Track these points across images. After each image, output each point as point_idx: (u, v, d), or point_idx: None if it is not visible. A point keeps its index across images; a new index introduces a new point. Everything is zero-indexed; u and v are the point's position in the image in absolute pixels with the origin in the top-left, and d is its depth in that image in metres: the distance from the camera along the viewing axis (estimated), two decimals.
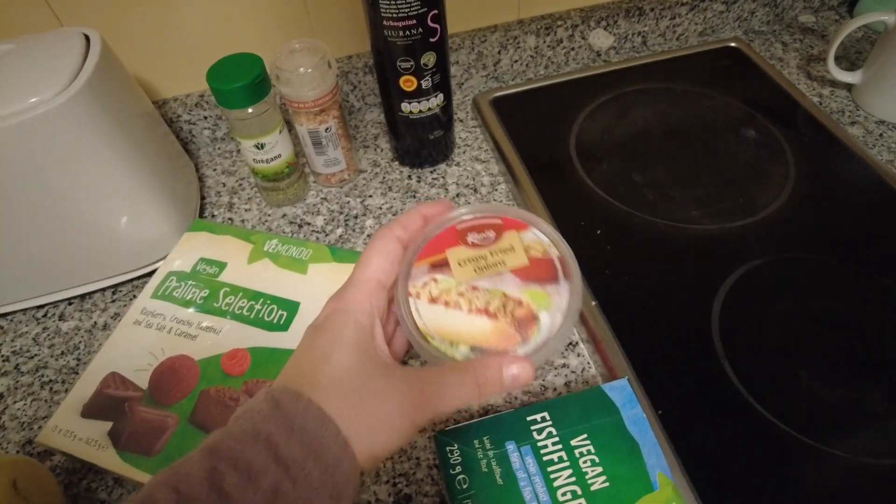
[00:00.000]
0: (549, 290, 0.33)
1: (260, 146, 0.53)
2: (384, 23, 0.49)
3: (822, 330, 0.46)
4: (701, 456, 0.40)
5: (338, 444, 0.26)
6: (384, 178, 0.61)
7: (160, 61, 0.60)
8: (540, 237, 0.36)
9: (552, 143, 0.62)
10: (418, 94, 0.54)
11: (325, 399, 0.27)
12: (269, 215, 0.59)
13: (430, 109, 0.56)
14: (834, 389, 0.43)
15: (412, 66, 0.52)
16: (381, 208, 0.58)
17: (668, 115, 0.64)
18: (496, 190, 0.59)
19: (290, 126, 0.59)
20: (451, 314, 0.33)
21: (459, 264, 0.35)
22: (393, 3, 0.47)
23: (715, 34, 0.76)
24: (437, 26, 0.51)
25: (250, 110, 0.51)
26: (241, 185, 0.62)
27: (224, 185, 0.62)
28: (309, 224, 0.58)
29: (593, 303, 0.48)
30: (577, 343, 0.48)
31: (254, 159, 0.55)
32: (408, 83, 0.53)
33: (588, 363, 0.46)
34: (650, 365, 0.45)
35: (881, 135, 0.62)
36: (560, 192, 0.57)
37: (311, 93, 0.52)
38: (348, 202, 0.59)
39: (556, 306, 0.33)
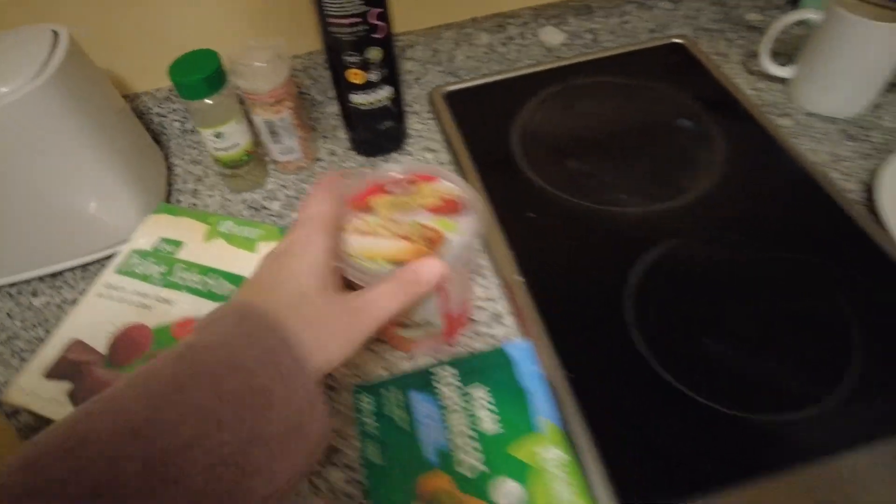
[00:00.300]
0: (456, 219, 0.42)
1: (218, 135, 0.58)
2: (329, 20, 0.53)
3: (731, 303, 0.50)
4: (606, 416, 0.43)
5: (294, 359, 0.30)
6: (340, 166, 0.65)
7: (132, 58, 0.64)
8: (449, 185, 0.44)
9: (497, 133, 0.66)
10: (366, 86, 0.58)
11: (285, 317, 0.32)
12: (230, 200, 0.63)
13: (379, 101, 0.60)
14: (734, 356, 0.47)
15: (359, 60, 0.56)
16: None
17: (609, 106, 0.68)
18: None
19: (248, 117, 0.63)
20: (374, 241, 0.41)
21: (382, 207, 0.43)
22: (336, 1, 0.52)
23: (664, 31, 0.79)
24: (381, 23, 0.55)
25: (209, 101, 0.55)
26: (206, 173, 0.67)
27: (191, 173, 0.67)
28: (266, 208, 0.62)
29: (519, 278, 0.52)
30: (502, 315, 0.52)
31: (214, 147, 0.59)
32: (355, 76, 0.57)
33: (513, 333, 0.50)
34: (566, 333, 0.48)
35: (808, 126, 0.65)
36: (499, 177, 0.61)
37: (266, 85, 0.56)
38: (304, 188, 0.63)
39: (462, 230, 0.41)
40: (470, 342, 0.50)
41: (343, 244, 0.41)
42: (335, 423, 0.46)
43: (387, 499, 0.34)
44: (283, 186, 0.64)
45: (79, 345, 0.48)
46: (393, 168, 0.45)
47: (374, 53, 0.56)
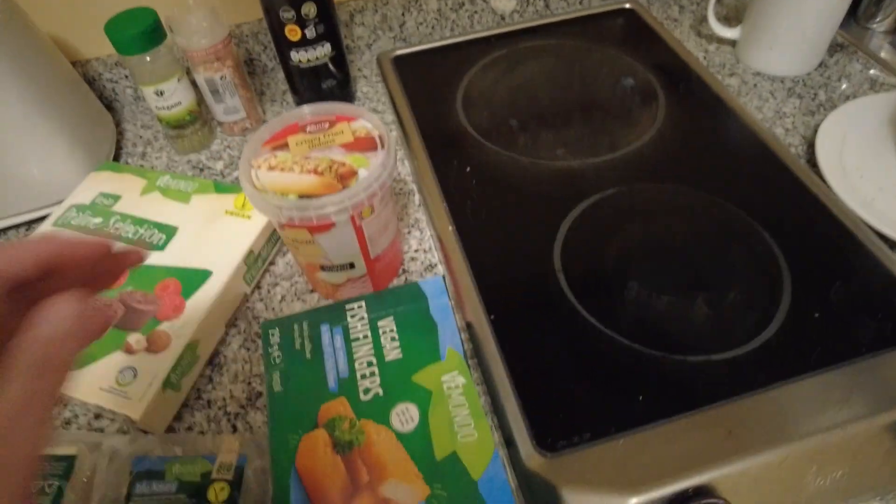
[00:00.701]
0: (368, 156, 0.42)
1: (159, 93, 0.58)
2: None
3: (659, 249, 0.50)
4: (528, 359, 0.44)
5: None
6: None
7: (80, 25, 0.65)
8: (366, 124, 0.45)
9: (442, 95, 0.66)
10: (304, 42, 0.59)
11: None
12: (176, 161, 0.64)
13: (318, 59, 0.60)
14: (660, 298, 0.47)
15: (293, 15, 0.56)
16: None
17: (555, 69, 0.68)
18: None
19: (190, 77, 0.64)
20: (284, 176, 0.41)
21: (297, 144, 0.44)
22: None
23: None
24: None
25: (147, 58, 0.56)
26: (155, 137, 0.67)
27: (141, 137, 0.67)
28: (210, 168, 0.62)
29: (450, 228, 0.52)
30: (435, 265, 0.52)
31: (156, 106, 0.59)
32: (292, 32, 0.58)
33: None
34: (492, 279, 0.48)
35: (755, 84, 0.65)
36: (440, 136, 0.61)
37: (204, 42, 0.57)
38: None
39: (373, 165, 0.42)
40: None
41: (253, 178, 0.41)
42: (260, 369, 0.47)
43: (286, 425, 0.34)
44: (228, 147, 0.64)
45: None
46: (310, 108, 0.45)
47: (309, 8, 0.56)
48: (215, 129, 0.66)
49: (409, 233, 0.55)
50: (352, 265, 0.46)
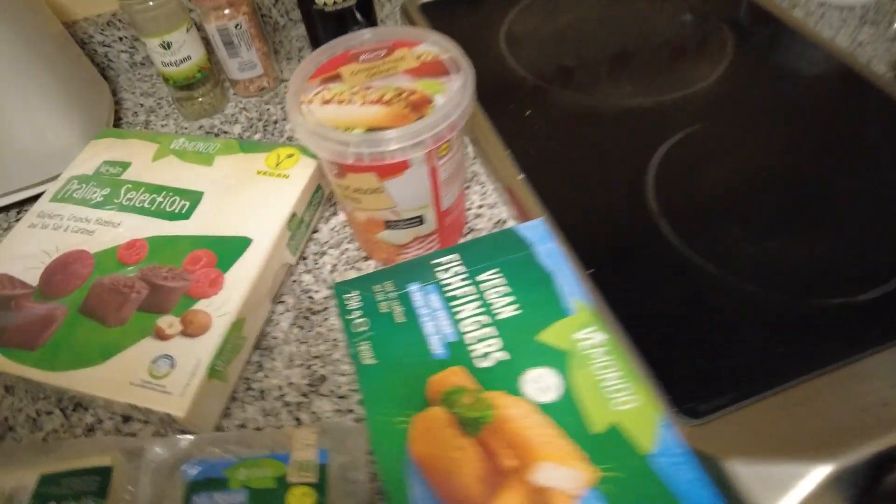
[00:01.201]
0: (442, 80, 0.35)
1: (166, 45, 0.50)
2: None
3: (765, 184, 0.43)
4: (640, 314, 0.37)
5: None
6: None
7: None
8: (431, 48, 0.38)
9: (480, 39, 0.59)
10: None
11: None
12: (185, 128, 0.55)
13: (344, 1, 0.53)
14: (778, 237, 0.40)
15: None
16: None
17: (603, 5, 0.62)
18: None
19: (200, 28, 0.55)
20: (343, 109, 0.35)
21: (352, 74, 0.37)
22: None
23: None
24: None
25: (150, 2, 0.48)
26: (159, 104, 0.59)
27: (142, 105, 0.59)
28: (226, 132, 0.54)
29: (520, 177, 0.45)
30: (505, 221, 0.45)
31: (162, 62, 0.51)
32: None
33: None
34: (582, 231, 0.42)
35: (822, 15, 0.60)
36: (487, 81, 0.54)
37: None
38: (268, 109, 0.56)
39: (450, 90, 0.35)
40: None
41: (305, 114, 0.34)
42: (321, 349, 0.39)
43: (388, 405, 0.27)
44: (244, 109, 0.56)
45: (4, 279, 0.41)
46: (365, 33, 0.38)
47: None
48: (228, 90, 0.58)
49: (468, 188, 0.48)
50: (420, 220, 0.39)
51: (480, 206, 0.46)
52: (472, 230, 0.45)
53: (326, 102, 0.35)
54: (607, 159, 0.46)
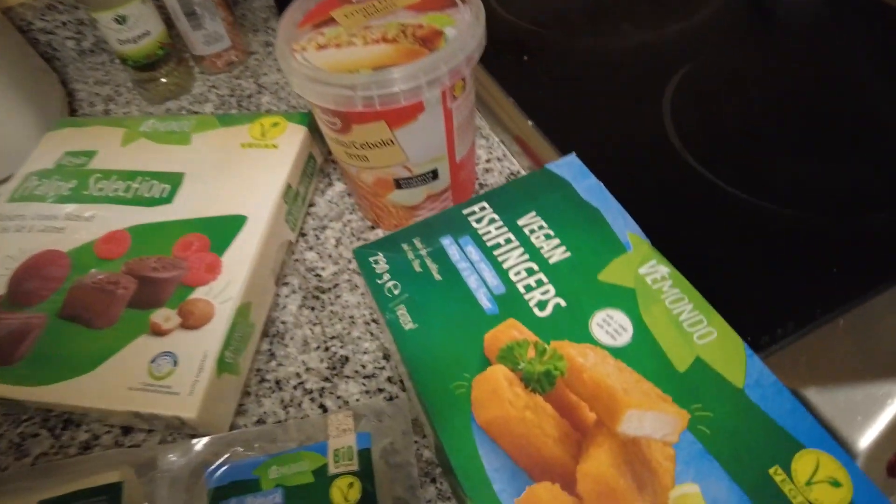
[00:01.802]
0: (449, 12, 0.32)
1: (121, 19, 0.45)
2: None
3: (785, 109, 0.41)
4: (682, 252, 0.34)
5: None
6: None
7: None
8: None
9: None
10: None
11: None
12: (151, 113, 0.50)
13: None
14: (794, 162, 0.38)
15: None
16: (277, 83, 0.50)
17: None
18: None
19: (158, 1, 0.50)
20: (344, 52, 0.30)
21: (346, 17, 0.33)
22: None
23: None
24: None
25: None
26: (117, 91, 0.53)
27: (98, 94, 0.54)
28: (196, 113, 0.50)
29: (529, 123, 0.42)
30: (517, 172, 0.42)
31: (118, 40, 0.46)
32: None
33: None
34: (603, 170, 0.39)
35: None
36: None
37: None
38: (240, 84, 0.51)
39: (460, 22, 0.31)
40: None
41: (301, 62, 0.30)
42: (337, 329, 0.35)
43: (441, 371, 0.23)
44: (214, 87, 0.51)
45: None
46: None
47: None
48: (193, 68, 0.53)
49: None
50: (434, 174, 0.35)
51: (489, 161, 0.43)
52: (483, 186, 0.41)
53: (322, 48, 0.31)
54: (617, 97, 0.43)
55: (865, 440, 0.27)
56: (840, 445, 0.21)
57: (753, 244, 0.34)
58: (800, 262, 0.33)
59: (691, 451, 0.21)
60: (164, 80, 0.50)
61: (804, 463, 0.21)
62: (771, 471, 0.21)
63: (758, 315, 0.31)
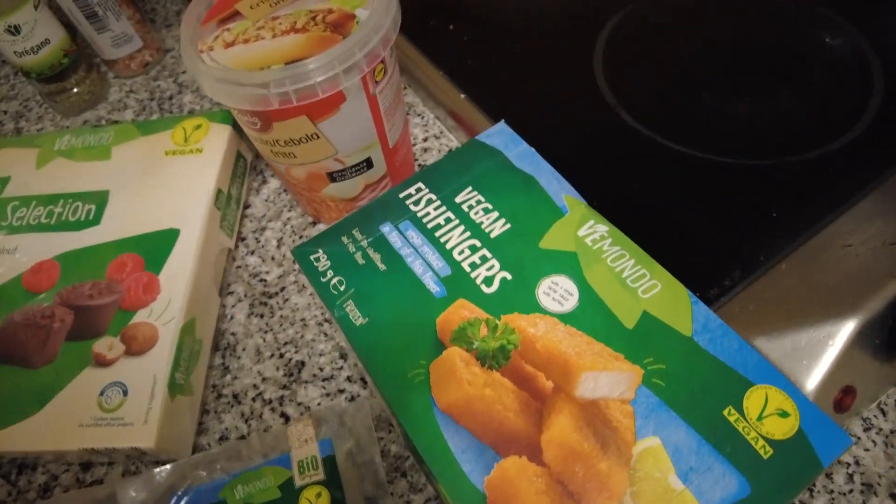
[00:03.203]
0: None
1: (14, 29, 0.42)
2: None
3: (723, 53, 0.41)
4: (623, 211, 0.34)
5: None
6: None
7: None
8: None
9: None
10: None
11: None
12: (68, 126, 0.48)
13: None
14: (724, 108, 0.38)
15: None
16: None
17: None
18: None
19: (53, 5, 0.47)
20: (254, 47, 0.29)
21: (251, 7, 0.31)
22: None
23: None
24: None
25: None
26: (26, 106, 0.50)
27: (5, 112, 0.50)
28: (117, 122, 0.47)
29: (462, 96, 0.41)
30: (456, 147, 0.41)
31: (15, 52, 0.43)
32: None
33: None
34: (540, 135, 0.38)
35: None
36: None
37: None
38: (159, 85, 0.48)
39: (371, 1, 0.29)
40: None
41: (209, 64, 0.29)
42: (290, 334, 0.35)
43: (396, 362, 0.23)
44: (132, 92, 0.49)
45: None
46: None
47: None
48: (106, 73, 0.50)
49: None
50: (368, 163, 0.34)
51: (426, 139, 0.42)
52: (423, 166, 0.41)
53: (230, 45, 0.30)
54: (549, 57, 0.43)
55: (812, 381, 0.28)
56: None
57: (693, 196, 0.35)
58: (740, 209, 0.34)
59: (648, 405, 0.21)
60: (75, 90, 0.47)
61: (754, 399, 0.21)
62: (725, 412, 0.21)
63: (704, 267, 0.32)
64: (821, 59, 0.40)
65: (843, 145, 0.35)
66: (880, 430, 0.29)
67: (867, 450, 0.29)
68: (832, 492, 0.28)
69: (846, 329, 0.29)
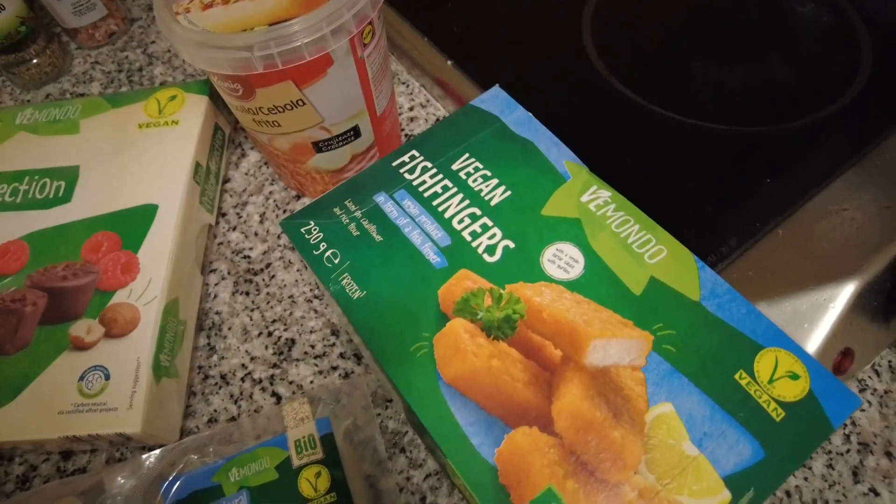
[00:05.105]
0: None
1: None
2: None
3: (706, 21, 0.41)
4: (618, 180, 0.34)
5: None
6: None
7: None
8: None
9: None
10: None
11: None
12: (29, 101, 0.45)
13: None
14: (715, 76, 0.38)
15: None
16: (169, 52, 0.46)
17: None
18: None
19: None
20: (233, 8, 0.27)
21: None
22: None
23: None
24: None
25: None
26: None
27: None
28: (83, 95, 0.44)
29: (448, 63, 0.40)
30: (444, 116, 0.40)
31: None
32: None
33: None
34: (529, 102, 0.37)
35: None
36: None
37: None
38: (127, 56, 0.46)
39: None
40: None
41: (187, 27, 0.27)
42: (278, 311, 0.33)
43: (397, 336, 0.22)
44: (97, 63, 0.46)
45: None
46: None
47: None
48: (68, 44, 0.47)
49: None
50: (355, 132, 0.33)
51: (412, 109, 0.41)
52: (410, 137, 0.39)
53: (207, 6, 0.28)
54: (536, 22, 0.41)
55: (813, 345, 0.28)
56: None
57: (686, 163, 0.34)
58: (734, 176, 0.33)
59: (660, 371, 0.21)
60: (35, 60, 0.44)
61: (765, 363, 0.21)
62: (736, 376, 0.21)
63: (700, 235, 0.31)
64: (811, 28, 0.39)
65: (834, 112, 0.35)
66: (875, 390, 0.30)
67: (863, 410, 0.29)
68: (830, 452, 0.28)
69: (846, 292, 0.29)
